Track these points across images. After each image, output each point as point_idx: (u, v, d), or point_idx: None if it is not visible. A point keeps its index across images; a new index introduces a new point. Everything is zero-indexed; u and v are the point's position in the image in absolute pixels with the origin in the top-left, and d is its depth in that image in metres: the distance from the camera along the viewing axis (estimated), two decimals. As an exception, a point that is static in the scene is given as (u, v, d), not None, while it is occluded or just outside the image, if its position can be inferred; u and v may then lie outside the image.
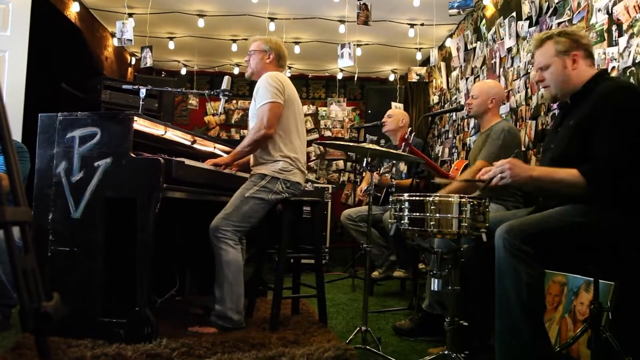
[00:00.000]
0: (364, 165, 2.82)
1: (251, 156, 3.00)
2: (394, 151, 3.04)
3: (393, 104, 5.81)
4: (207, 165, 2.91)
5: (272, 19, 5.48)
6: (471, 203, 1.99)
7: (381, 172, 4.35)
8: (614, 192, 1.86)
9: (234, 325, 2.73)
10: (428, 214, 2.02)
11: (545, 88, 2.18)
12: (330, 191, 5.95)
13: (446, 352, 2.10)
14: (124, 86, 3.90)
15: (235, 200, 2.82)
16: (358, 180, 5.61)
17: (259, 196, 2.82)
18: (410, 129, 3.24)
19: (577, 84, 2.07)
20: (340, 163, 7.57)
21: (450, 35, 5.72)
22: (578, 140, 1.97)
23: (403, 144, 3.04)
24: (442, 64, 5.92)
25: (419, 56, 6.17)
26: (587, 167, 1.88)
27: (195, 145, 3.48)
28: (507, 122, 3.31)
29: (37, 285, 1.04)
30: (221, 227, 2.76)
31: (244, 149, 2.92)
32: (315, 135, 7.51)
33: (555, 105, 3.33)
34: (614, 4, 2.76)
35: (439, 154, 5.93)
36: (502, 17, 4.30)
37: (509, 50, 4.14)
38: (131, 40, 5.17)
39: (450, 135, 5.62)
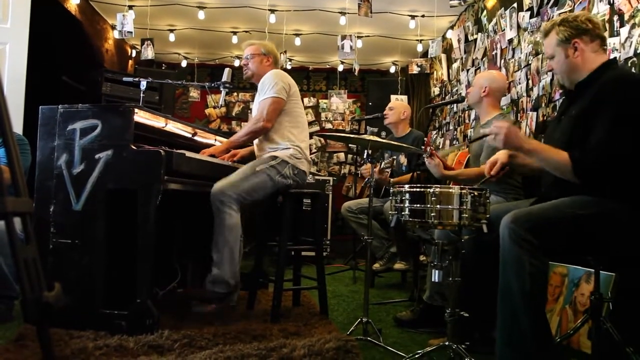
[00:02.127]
0: (365, 157, 2.82)
1: (255, 148, 3.04)
2: (395, 142, 3.04)
3: (394, 96, 5.80)
4: (206, 156, 2.91)
5: (272, 11, 5.45)
6: (472, 194, 1.99)
7: (382, 166, 4.34)
8: (604, 183, 1.85)
9: (229, 289, 2.75)
10: (429, 205, 2.03)
11: (556, 76, 2.19)
12: (331, 183, 5.95)
13: (447, 343, 2.11)
14: (125, 78, 3.90)
15: (245, 171, 2.85)
16: (359, 172, 5.61)
17: (269, 173, 2.86)
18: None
19: (585, 71, 2.03)
20: (341, 155, 7.57)
21: (451, 27, 5.70)
22: (580, 130, 1.94)
23: (428, 147, 3.00)
24: (443, 56, 5.89)
25: (419, 48, 6.15)
26: (577, 153, 1.87)
27: (196, 138, 3.48)
28: (506, 117, 3.27)
29: (38, 275, 1.05)
30: (227, 192, 2.75)
31: (240, 138, 3.00)
32: (316, 128, 7.50)
33: (557, 96, 3.32)
34: (616, -6, 2.75)
35: (440, 146, 5.92)
36: (503, 8, 4.28)
37: (510, 41, 4.12)
38: (131, 32, 5.15)
39: (451, 127, 5.61)
